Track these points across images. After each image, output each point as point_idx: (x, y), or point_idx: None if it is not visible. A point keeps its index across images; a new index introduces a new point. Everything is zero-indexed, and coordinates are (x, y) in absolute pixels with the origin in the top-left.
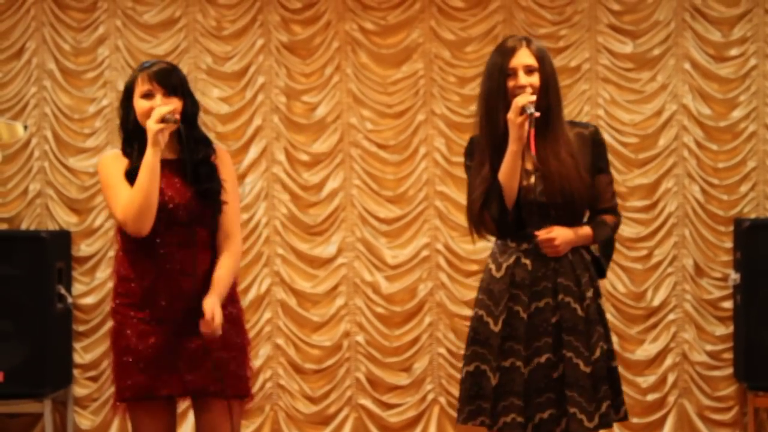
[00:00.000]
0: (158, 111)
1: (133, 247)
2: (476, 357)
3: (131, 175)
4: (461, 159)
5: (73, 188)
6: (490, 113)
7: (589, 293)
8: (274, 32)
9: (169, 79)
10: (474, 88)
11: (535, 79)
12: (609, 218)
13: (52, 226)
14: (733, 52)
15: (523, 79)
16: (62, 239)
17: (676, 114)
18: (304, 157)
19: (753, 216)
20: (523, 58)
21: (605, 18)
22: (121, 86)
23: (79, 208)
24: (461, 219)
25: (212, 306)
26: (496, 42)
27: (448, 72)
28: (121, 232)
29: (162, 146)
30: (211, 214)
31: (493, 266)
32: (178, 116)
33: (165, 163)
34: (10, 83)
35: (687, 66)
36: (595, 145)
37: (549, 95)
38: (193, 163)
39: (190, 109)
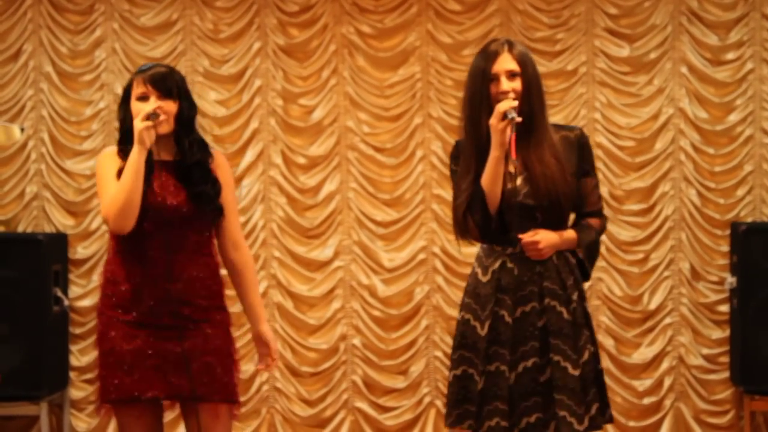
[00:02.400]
0: (143, 110)
1: (124, 249)
2: (463, 361)
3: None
4: None
5: (69, 191)
6: (473, 118)
7: (575, 296)
8: (271, 35)
9: (164, 83)
10: None
11: (517, 84)
12: (594, 221)
13: (48, 229)
14: (730, 55)
15: (505, 84)
16: (59, 242)
17: (672, 117)
18: (301, 160)
19: (749, 220)
20: (505, 63)
21: (602, 21)
22: (118, 89)
23: (76, 210)
24: None
25: (268, 337)
26: None
27: (444, 75)
28: (119, 234)
29: (147, 145)
30: (207, 218)
31: (479, 270)
32: (164, 115)
33: (162, 165)
34: (6, 86)
35: (684, 70)
36: (581, 148)
37: (532, 99)
38: (187, 165)
39: (186, 112)
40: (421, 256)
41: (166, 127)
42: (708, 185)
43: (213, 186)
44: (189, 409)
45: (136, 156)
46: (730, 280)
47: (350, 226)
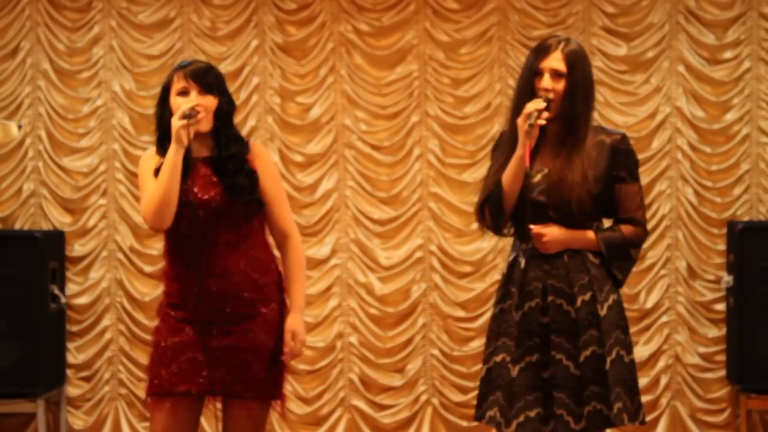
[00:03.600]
0: (180, 108)
1: (170, 247)
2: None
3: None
4: (455, 160)
5: (67, 188)
6: (516, 110)
7: (585, 297)
8: (268, 33)
9: (205, 77)
10: (468, 90)
11: (560, 85)
12: (626, 228)
13: (45, 226)
14: (727, 54)
15: (546, 82)
16: (56, 239)
17: (669, 116)
18: (299, 158)
19: (746, 218)
20: (553, 61)
21: (599, 20)
22: (115, 86)
23: (73, 207)
24: (455, 220)
25: (292, 327)
26: (490, 44)
27: (442, 73)
28: (166, 232)
29: (184, 143)
30: (243, 210)
31: (505, 264)
32: (202, 114)
33: (200, 161)
34: (4, 83)
35: (681, 68)
36: (614, 154)
37: (575, 102)
38: (222, 158)
39: (226, 107)
40: (418, 254)
41: (206, 124)
42: (705, 184)
43: (248, 177)
44: (226, 404)
45: (173, 155)
46: (727, 278)
47: (347, 224)
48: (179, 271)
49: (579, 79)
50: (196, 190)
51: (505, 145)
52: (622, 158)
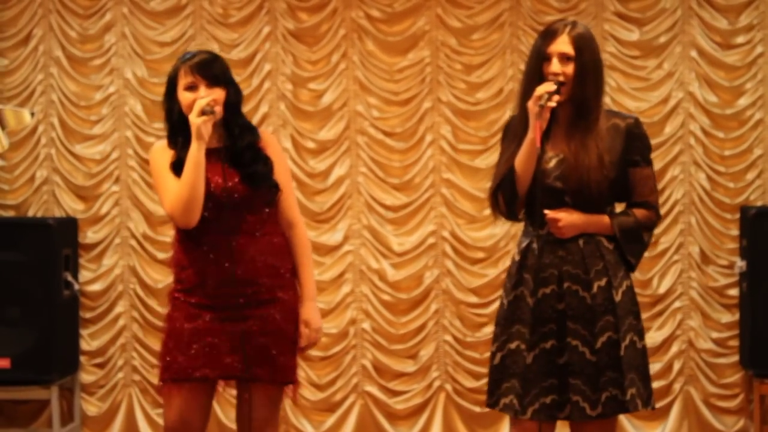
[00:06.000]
0: (197, 104)
1: (185, 235)
2: (494, 338)
3: (176, 167)
4: (467, 146)
5: (79, 175)
6: (526, 95)
7: (601, 282)
8: (280, 19)
9: (211, 70)
10: (480, 76)
11: (569, 68)
12: (640, 211)
13: (58, 213)
14: (740, 39)
15: (555, 66)
16: (69, 226)
17: (682, 101)
18: (311, 145)
19: (759, 203)
20: (561, 45)
21: (611, 5)
22: (128, 73)
23: (86, 195)
24: (467, 206)
25: (306, 316)
26: (502, 29)
27: (454, 59)
28: None
29: (206, 139)
30: (264, 197)
31: (515, 250)
32: (218, 107)
33: (211, 152)
34: (17, 70)
35: (693, 53)
36: (629, 138)
37: (586, 85)
38: (238, 149)
39: (234, 97)
40: (431, 240)
41: (214, 118)
42: (718, 169)
43: (265, 164)
44: (242, 388)
45: (196, 151)
46: (740, 263)
47: (360, 211)
48: (197, 257)
49: (588, 61)
50: (216, 180)
51: (515, 131)
52: (637, 142)
